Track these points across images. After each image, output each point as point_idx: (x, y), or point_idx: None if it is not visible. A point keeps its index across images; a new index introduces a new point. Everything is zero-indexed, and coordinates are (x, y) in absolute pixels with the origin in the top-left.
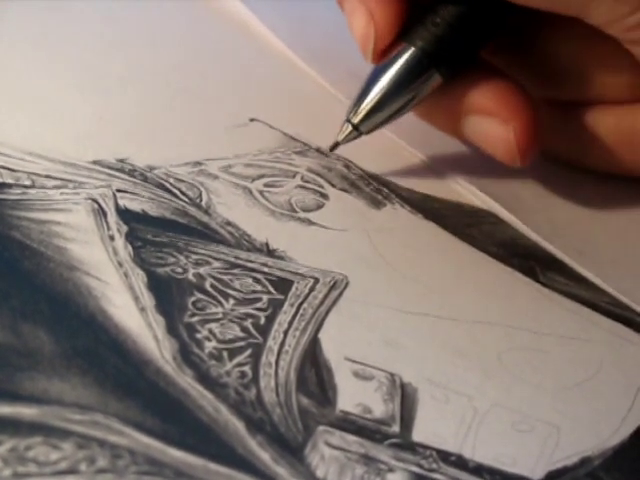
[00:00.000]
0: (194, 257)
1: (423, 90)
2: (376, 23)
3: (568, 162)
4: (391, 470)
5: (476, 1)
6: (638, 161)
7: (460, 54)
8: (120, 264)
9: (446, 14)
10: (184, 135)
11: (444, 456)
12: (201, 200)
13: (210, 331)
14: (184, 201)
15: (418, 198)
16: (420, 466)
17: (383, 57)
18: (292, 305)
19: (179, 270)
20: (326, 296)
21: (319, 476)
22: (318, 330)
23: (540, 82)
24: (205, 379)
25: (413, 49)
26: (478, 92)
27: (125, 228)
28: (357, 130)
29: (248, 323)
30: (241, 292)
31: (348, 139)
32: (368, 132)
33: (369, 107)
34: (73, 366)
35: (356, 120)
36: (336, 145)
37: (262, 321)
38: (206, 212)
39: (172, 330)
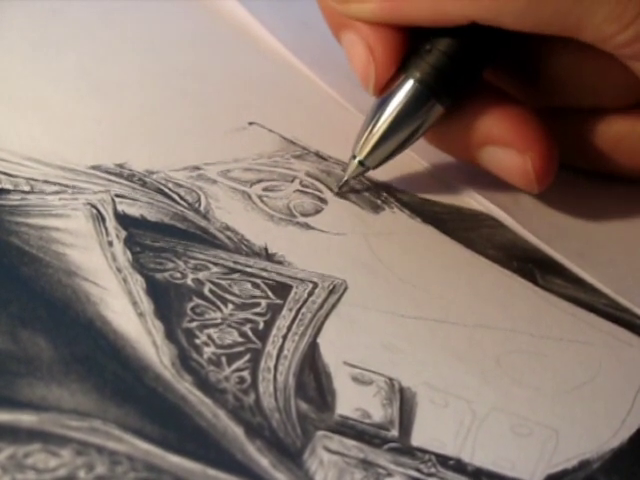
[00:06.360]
0: (193, 262)
1: (426, 121)
2: (376, 59)
3: (569, 164)
4: (390, 475)
5: (467, 29)
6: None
7: (458, 83)
8: (119, 270)
9: (438, 42)
10: (183, 139)
11: (443, 460)
12: (200, 205)
13: (209, 336)
14: (183, 206)
15: (417, 202)
16: (419, 470)
17: (384, 90)
18: (291, 310)
19: (178, 275)
20: (325, 300)
21: None
22: (317, 335)
23: (538, 93)
24: (204, 385)
25: (412, 81)
26: (490, 122)
27: (124, 233)
28: (363, 165)
29: (247, 328)
30: (240, 297)
31: (355, 175)
32: (375, 167)
33: (373, 142)
34: (72, 372)
35: (362, 156)
36: (345, 183)
37: (261, 326)
38: (205, 217)
39: (171, 336)
